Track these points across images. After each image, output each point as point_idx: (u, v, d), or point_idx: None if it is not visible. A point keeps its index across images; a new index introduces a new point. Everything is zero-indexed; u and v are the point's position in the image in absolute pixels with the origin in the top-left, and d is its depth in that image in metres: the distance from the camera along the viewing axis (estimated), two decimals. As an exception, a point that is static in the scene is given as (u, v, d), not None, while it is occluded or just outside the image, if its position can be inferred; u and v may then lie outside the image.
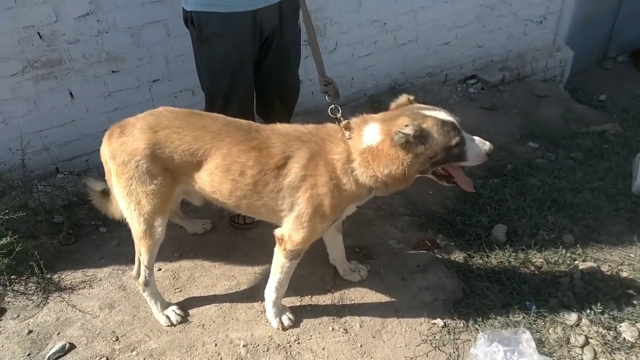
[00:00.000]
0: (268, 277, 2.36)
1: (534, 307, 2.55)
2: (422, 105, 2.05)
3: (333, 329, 2.44)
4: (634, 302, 2.56)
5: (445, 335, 2.44)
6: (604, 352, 2.36)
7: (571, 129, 4.38)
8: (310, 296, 2.60)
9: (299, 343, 2.37)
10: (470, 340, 2.42)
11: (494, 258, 2.84)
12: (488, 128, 4.33)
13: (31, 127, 3.21)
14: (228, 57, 2.55)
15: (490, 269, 2.79)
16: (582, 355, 2.35)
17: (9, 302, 2.56)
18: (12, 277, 2.65)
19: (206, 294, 2.61)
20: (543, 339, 2.41)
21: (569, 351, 2.37)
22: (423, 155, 1.92)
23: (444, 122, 1.91)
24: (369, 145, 1.96)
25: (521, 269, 2.79)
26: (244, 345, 2.34)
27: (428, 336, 2.43)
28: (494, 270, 2.78)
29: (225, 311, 2.51)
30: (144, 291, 2.40)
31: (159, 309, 2.43)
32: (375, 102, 4.44)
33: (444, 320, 2.49)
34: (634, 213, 3.21)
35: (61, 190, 3.21)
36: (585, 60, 6.07)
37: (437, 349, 2.38)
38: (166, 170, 2.12)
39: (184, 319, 2.46)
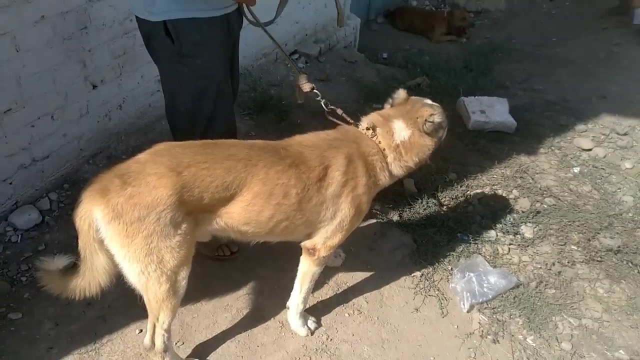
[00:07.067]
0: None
1: (467, 236, 3.17)
2: (419, 98, 2.30)
3: (349, 315, 2.56)
4: (518, 209, 3.44)
5: (424, 281, 2.84)
6: (519, 250, 3.14)
7: (392, 86, 5.16)
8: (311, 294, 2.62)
9: (331, 340, 2.43)
10: (442, 279, 2.89)
11: (419, 207, 3.34)
12: (335, 98, 4.72)
13: None
14: (212, 70, 2.24)
15: (421, 217, 3.29)
16: (511, 259, 3.09)
17: None
18: None
19: (213, 335, 2.36)
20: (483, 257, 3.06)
21: (501, 259, 3.08)
22: (439, 139, 2.22)
23: (443, 110, 2.23)
24: (402, 139, 2.13)
25: (440, 209, 3.38)
26: (287, 366, 2.27)
27: (414, 288, 2.80)
28: (424, 217, 3.29)
29: (245, 343, 2.34)
30: (163, 359, 2.04)
31: (183, 371, 2.11)
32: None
33: (419, 271, 2.89)
34: (477, 144, 4.15)
35: None
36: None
37: (427, 296, 2.77)
38: (188, 214, 1.82)
39: (211, 370, 2.20)
